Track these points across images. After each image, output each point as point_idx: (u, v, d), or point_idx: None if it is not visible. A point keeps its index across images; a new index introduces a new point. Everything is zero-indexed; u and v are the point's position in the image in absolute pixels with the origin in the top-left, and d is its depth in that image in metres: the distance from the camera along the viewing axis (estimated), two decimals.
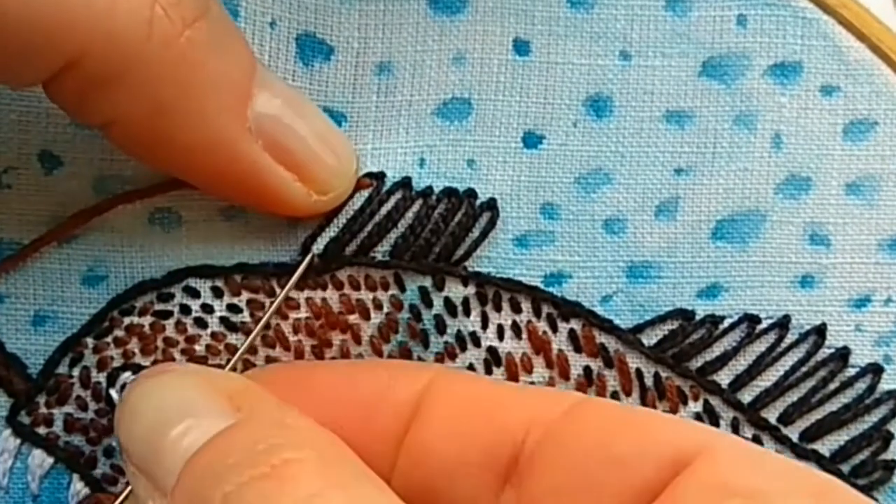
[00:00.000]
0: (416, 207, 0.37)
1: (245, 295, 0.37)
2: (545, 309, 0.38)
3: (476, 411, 0.34)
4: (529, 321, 0.38)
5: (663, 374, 0.38)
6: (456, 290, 0.37)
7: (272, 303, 0.37)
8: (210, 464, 0.30)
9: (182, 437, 0.31)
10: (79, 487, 0.38)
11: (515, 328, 0.38)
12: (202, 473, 0.30)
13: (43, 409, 0.38)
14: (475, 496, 0.34)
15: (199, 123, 0.34)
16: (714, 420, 0.38)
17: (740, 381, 0.38)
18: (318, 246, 0.37)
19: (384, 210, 0.37)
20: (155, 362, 0.37)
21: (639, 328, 0.38)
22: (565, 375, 0.38)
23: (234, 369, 0.37)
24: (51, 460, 0.38)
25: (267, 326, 0.37)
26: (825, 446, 0.38)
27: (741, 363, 0.38)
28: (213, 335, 0.37)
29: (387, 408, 0.34)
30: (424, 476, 0.34)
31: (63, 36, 0.32)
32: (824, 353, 0.38)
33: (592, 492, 0.32)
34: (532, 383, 0.38)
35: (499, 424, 0.33)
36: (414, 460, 0.34)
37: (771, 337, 0.38)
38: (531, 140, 0.37)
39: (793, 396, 0.38)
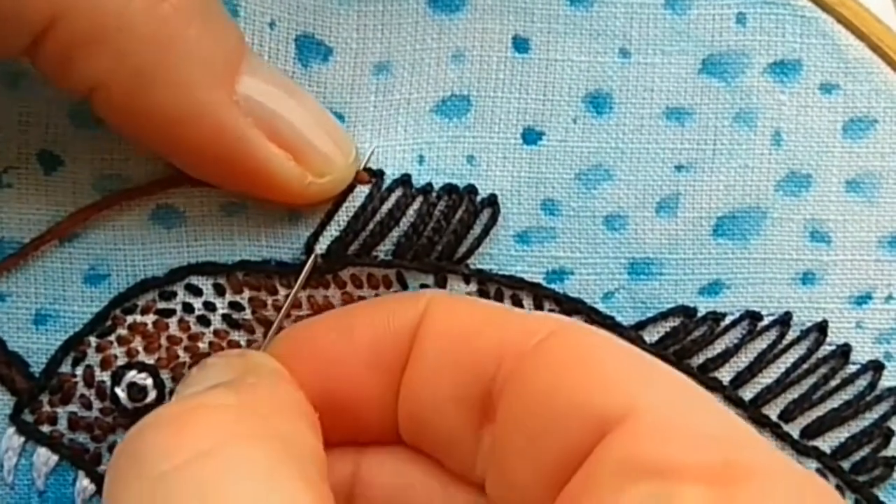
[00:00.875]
0: (416, 205, 0.37)
1: (247, 292, 0.37)
2: (547, 305, 0.38)
3: (457, 343, 0.34)
4: None
5: None
6: (458, 288, 0.37)
7: (274, 304, 0.37)
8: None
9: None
10: (85, 484, 0.38)
11: None
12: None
13: (46, 408, 0.38)
14: (461, 434, 0.34)
15: (182, 91, 0.34)
16: None
17: (741, 378, 0.38)
18: (321, 246, 0.37)
19: (385, 208, 0.37)
20: (159, 360, 0.37)
21: (640, 325, 0.38)
22: None
23: None
24: (56, 457, 0.38)
25: (269, 323, 0.37)
26: (826, 443, 0.38)
27: (742, 360, 0.38)
28: (216, 333, 0.37)
29: (386, 351, 0.34)
30: (418, 410, 0.34)
31: None
32: (825, 350, 0.38)
33: (536, 443, 0.32)
34: None
35: (476, 356, 0.33)
36: (409, 395, 0.34)
37: (772, 334, 0.38)
38: (531, 136, 0.37)
39: (794, 393, 0.38)
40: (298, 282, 0.37)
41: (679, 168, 0.38)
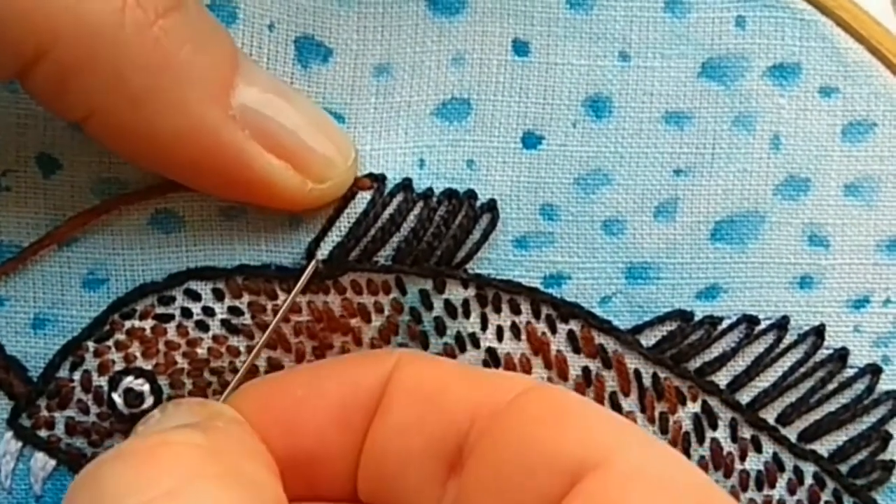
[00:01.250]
0: (417, 210, 0.37)
1: (246, 297, 0.37)
2: (544, 310, 0.38)
3: (428, 399, 0.34)
4: (528, 322, 0.38)
5: (662, 375, 0.38)
6: (456, 293, 0.37)
7: (274, 310, 0.37)
8: None
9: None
10: None
11: (514, 329, 0.38)
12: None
13: (44, 413, 0.37)
14: (424, 487, 0.34)
15: (178, 112, 0.33)
16: (712, 421, 0.38)
17: (739, 382, 0.38)
18: (323, 252, 0.37)
19: (387, 214, 0.37)
20: (157, 366, 0.37)
21: (638, 329, 0.38)
22: (564, 376, 0.38)
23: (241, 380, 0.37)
24: (53, 462, 0.38)
25: (265, 328, 0.37)
26: (824, 447, 0.38)
27: (740, 364, 0.38)
28: (215, 338, 0.37)
29: (353, 407, 0.35)
30: (381, 468, 0.34)
31: (34, 22, 0.31)
32: (823, 353, 0.38)
33: (507, 494, 0.32)
34: None
35: (448, 414, 0.34)
36: (373, 451, 0.34)
37: (770, 338, 0.38)
38: (530, 140, 0.37)
39: (791, 397, 0.38)
40: (297, 287, 0.37)
41: (678, 172, 0.38)
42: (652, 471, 0.31)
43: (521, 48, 0.37)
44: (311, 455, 0.34)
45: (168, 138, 0.34)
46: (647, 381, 0.38)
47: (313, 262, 0.37)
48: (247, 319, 0.37)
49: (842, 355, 0.38)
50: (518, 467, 0.32)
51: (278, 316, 0.37)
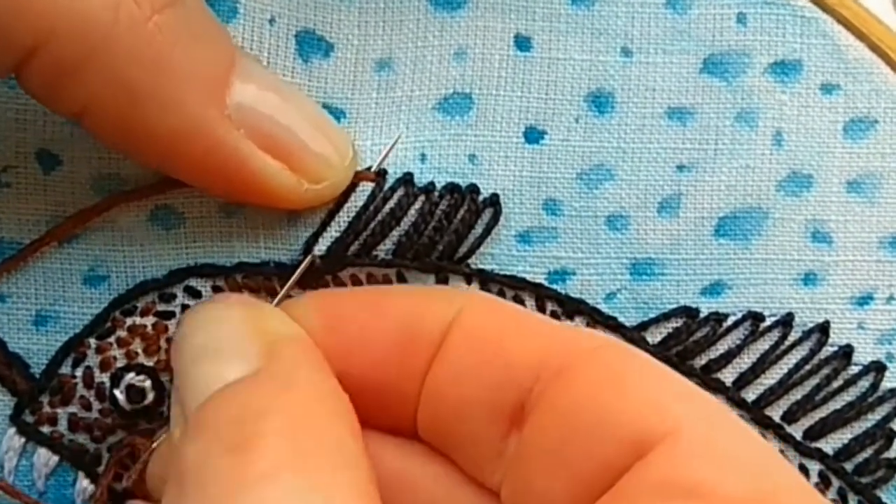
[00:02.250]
0: (418, 204, 0.37)
1: (246, 295, 0.37)
2: (549, 306, 0.37)
3: (491, 349, 0.33)
4: None
5: None
6: (459, 288, 0.37)
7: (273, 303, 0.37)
8: (211, 415, 0.30)
9: (205, 375, 0.32)
10: (84, 484, 0.37)
11: None
12: (203, 423, 0.30)
13: (47, 409, 0.37)
14: (484, 438, 0.33)
15: (172, 110, 0.33)
16: None
17: (744, 379, 0.38)
18: (321, 246, 0.37)
19: (387, 208, 0.37)
20: (158, 363, 0.37)
21: (643, 326, 0.38)
22: None
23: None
24: (56, 458, 0.37)
25: None
26: (829, 444, 0.38)
27: (745, 361, 0.38)
28: None
29: (415, 343, 0.34)
30: (440, 414, 0.34)
31: (29, 17, 0.31)
32: (827, 350, 0.38)
33: (569, 456, 0.31)
34: None
35: (510, 366, 0.33)
36: (433, 392, 0.34)
37: (774, 335, 0.38)
38: (533, 135, 0.37)
39: (796, 394, 0.38)
40: (292, 279, 0.37)
41: (681, 168, 0.38)
42: (719, 445, 0.31)
43: (523, 43, 0.37)
44: (370, 383, 0.34)
45: (162, 135, 0.33)
46: None
47: (309, 256, 0.37)
48: None
49: (846, 352, 0.38)
50: (580, 432, 0.31)
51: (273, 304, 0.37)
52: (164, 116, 0.33)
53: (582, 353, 0.32)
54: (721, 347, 0.38)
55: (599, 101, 0.37)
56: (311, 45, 0.37)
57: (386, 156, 0.37)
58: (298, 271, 0.37)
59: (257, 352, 0.32)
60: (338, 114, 0.37)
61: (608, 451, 0.31)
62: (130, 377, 0.37)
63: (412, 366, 0.34)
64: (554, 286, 0.37)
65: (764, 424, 0.38)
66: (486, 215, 0.37)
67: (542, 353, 0.33)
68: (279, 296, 0.37)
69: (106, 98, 0.33)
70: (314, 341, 0.33)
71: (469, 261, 0.37)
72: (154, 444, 0.36)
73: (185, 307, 0.37)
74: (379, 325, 0.34)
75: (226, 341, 0.33)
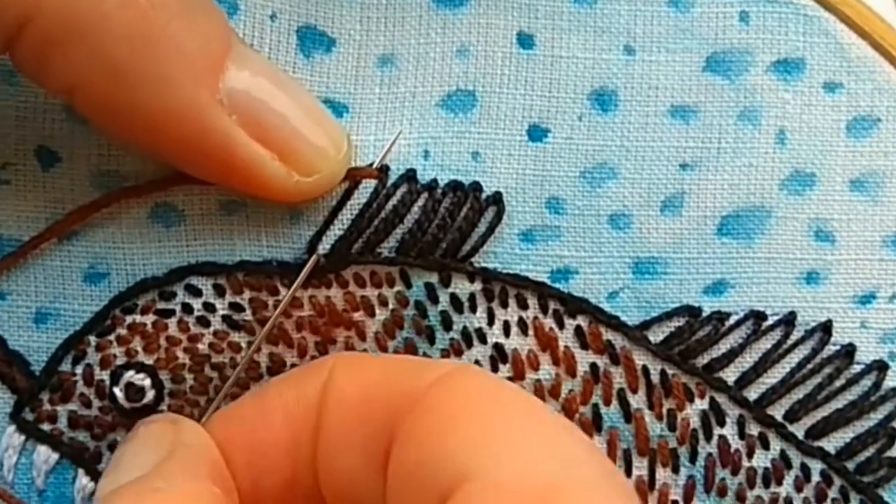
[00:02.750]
0: (421, 202, 0.37)
1: (248, 293, 0.37)
2: (552, 305, 0.37)
3: (360, 404, 0.33)
4: (536, 317, 0.37)
5: (670, 372, 0.38)
6: (462, 287, 0.37)
7: (276, 306, 0.37)
8: None
9: (104, 485, 0.33)
10: (84, 482, 0.37)
11: (522, 324, 0.37)
12: None
13: (47, 406, 0.37)
14: (375, 493, 0.32)
15: (160, 90, 0.33)
16: (720, 417, 0.38)
17: (746, 379, 0.38)
18: (325, 245, 0.37)
19: (390, 205, 0.36)
20: (158, 361, 0.37)
21: (645, 325, 0.37)
22: (572, 372, 0.37)
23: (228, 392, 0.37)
24: (56, 456, 0.37)
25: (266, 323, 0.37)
26: (831, 443, 0.38)
27: (747, 360, 0.38)
28: (216, 333, 0.37)
29: (300, 423, 0.33)
30: (336, 486, 0.33)
31: None
32: (830, 349, 0.38)
33: (409, 496, 0.31)
34: (538, 380, 0.37)
35: (376, 418, 0.32)
36: (324, 473, 0.33)
37: (777, 334, 0.38)
38: (536, 133, 0.37)
39: (799, 393, 0.38)
40: (298, 280, 0.36)
41: (684, 166, 0.37)
42: (505, 483, 0.29)
43: (525, 41, 0.37)
44: (278, 482, 0.34)
45: (152, 117, 0.33)
46: (655, 378, 0.38)
47: (314, 256, 0.37)
48: (248, 315, 0.37)
49: (849, 351, 0.38)
50: (414, 469, 0.31)
51: (278, 310, 0.36)
52: (154, 97, 0.33)
53: (427, 386, 0.32)
54: (723, 346, 0.38)
55: (602, 100, 0.37)
56: (312, 40, 0.37)
57: (388, 152, 0.37)
58: (304, 272, 0.36)
59: (153, 461, 0.33)
60: (340, 109, 0.37)
61: (428, 491, 0.30)
62: (130, 375, 0.37)
63: (304, 452, 0.33)
64: (556, 285, 0.37)
65: (766, 423, 0.38)
66: (490, 213, 0.37)
67: (397, 395, 0.32)
68: (285, 299, 0.36)
69: (94, 75, 0.32)
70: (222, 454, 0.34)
71: (472, 259, 0.37)
72: None
73: (185, 305, 0.37)
74: (263, 423, 0.34)
75: (127, 454, 0.34)
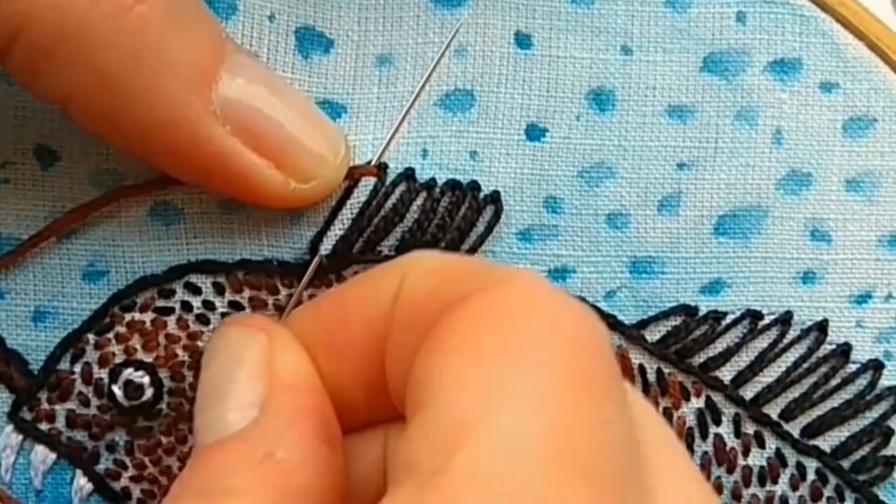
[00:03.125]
0: (420, 200, 0.37)
1: (247, 292, 0.37)
2: None
3: (422, 307, 0.30)
4: None
5: (666, 370, 0.37)
6: None
7: (276, 305, 0.37)
8: (192, 475, 0.30)
9: (211, 419, 0.31)
10: (82, 483, 0.37)
11: None
12: (185, 479, 0.30)
13: (45, 405, 0.37)
14: None
15: (153, 101, 0.33)
16: (716, 416, 0.38)
17: (742, 378, 0.38)
18: (326, 245, 0.37)
19: (389, 204, 0.36)
20: (157, 359, 0.37)
21: (642, 324, 0.37)
22: None
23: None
24: (53, 456, 0.37)
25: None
26: (826, 442, 0.38)
27: (743, 359, 0.38)
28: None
29: (378, 324, 0.31)
30: (399, 385, 0.30)
31: (6, 2, 0.31)
32: (826, 349, 0.38)
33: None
34: None
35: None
36: (391, 372, 0.31)
37: (773, 333, 0.38)
38: (534, 133, 0.37)
39: (794, 392, 0.38)
40: (301, 285, 0.36)
41: (681, 166, 0.37)
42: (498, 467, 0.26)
43: (523, 41, 0.37)
44: (362, 383, 0.32)
45: (144, 127, 0.33)
46: (651, 377, 0.37)
47: (317, 258, 0.36)
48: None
49: (844, 351, 0.38)
50: (421, 396, 0.28)
51: (284, 315, 0.36)
52: (146, 107, 0.33)
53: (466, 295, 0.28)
54: (720, 345, 0.38)
55: (600, 99, 0.37)
56: (310, 41, 0.37)
57: (385, 147, 0.37)
58: (308, 273, 0.36)
59: (256, 399, 0.31)
60: (339, 109, 0.37)
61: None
62: (128, 373, 0.37)
63: (379, 361, 0.31)
64: (554, 284, 0.37)
65: (762, 422, 0.38)
66: (488, 213, 0.37)
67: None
68: (291, 302, 0.36)
69: (85, 85, 0.32)
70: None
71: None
72: None
73: (184, 303, 0.37)
74: (341, 329, 0.32)
75: (234, 382, 0.31)
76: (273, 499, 0.29)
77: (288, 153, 0.34)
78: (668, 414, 0.38)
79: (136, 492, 0.37)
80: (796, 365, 0.38)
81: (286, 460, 0.30)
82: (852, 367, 0.38)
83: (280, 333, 0.32)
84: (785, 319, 0.38)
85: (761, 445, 0.38)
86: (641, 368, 0.37)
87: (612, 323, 0.37)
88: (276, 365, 0.31)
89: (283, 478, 0.29)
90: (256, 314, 0.36)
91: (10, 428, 0.37)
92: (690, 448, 0.38)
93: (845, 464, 0.38)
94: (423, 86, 0.36)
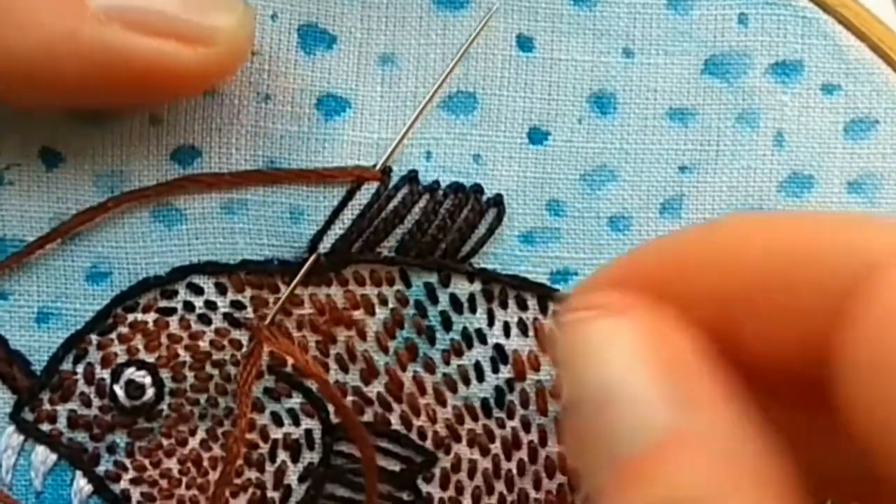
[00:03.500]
0: (422, 203, 0.36)
1: (249, 292, 0.37)
2: (551, 306, 0.37)
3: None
4: (536, 318, 0.37)
5: None
6: (462, 287, 0.37)
7: (276, 301, 0.37)
8: (632, 487, 0.25)
9: (617, 424, 0.25)
10: (82, 484, 0.37)
11: (522, 325, 0.37)
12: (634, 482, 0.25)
13: (47, 406, 0.37)
14: None
15: (35, 30, 0.32)
16: None
17: None
18: (325, 244, 0.36)
19: (391, 205, 0.36)
20: (159, 358, 0.37)
21: None
22: None
23: None
24: (54, 457, 0.37)
25: (271, 322, 0.37)
26: None
27: None
28: (217, 331, 0.37)
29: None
30: None
31: None
32: None
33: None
34: (539, 381, 0.37)
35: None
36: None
37: None
38: (537, 136, 0.37)
39: None
40: (295, 280, 0.36)
41: (682, 169, 0.37)
42: None
43: (525, 44, 0.37)
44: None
45: (34, 59, 0.32)
46: None
47: (314, 255, 0.36)
48: (249, 313, 0.37)
49: None
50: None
51: (275, 310, 0.36)
52: (29, 38, 0.32)
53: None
54: None
55: (602, 102, 0.37)
56: (313, 37, 0.37)
57: (392, 153, 0.36)
58: (303, 270, 0.36)
59: (661, 400, 0.25)
60: (343, 104, 0.36)
61: None
62: (130, 372, 0.36)
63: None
64: (556, 286, 0.37)
65: None
66: (490, 215, 0.37)
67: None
68: (283, 297, 0.36)
69: None
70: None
71: (472, 260, 0.37)
72: None
73: (186, 303, 0.37)
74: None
75: (632, 379, 0.26)
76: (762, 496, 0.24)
77: (184, 27, 0.33)
78: None
79: (135, 494, 0.37)
80: None
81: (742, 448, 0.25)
82: None
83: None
84: None
85: None
86: None
87: None
88: (670, 353, 0.26)
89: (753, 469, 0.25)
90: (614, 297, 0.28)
91: (11, 429, 0.37)
92: None
93: None
94: (436, 91, 0.36)
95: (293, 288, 0.36)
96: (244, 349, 0.37)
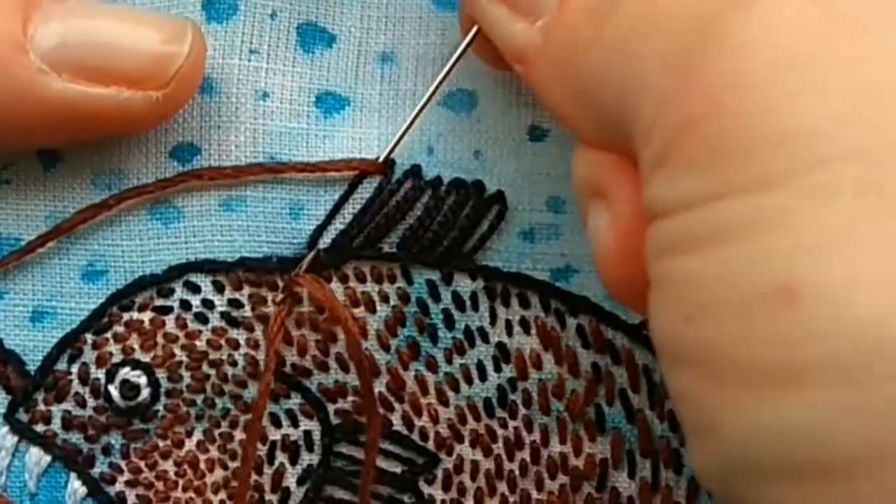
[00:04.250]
0: (425, 199, 0.36)
1: (247, 289, 0.36)
2: (553, 304, 0.37)
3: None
4: (538, 316, 0.36)
5: None
6: (464, 285, 0.36)
7: (275, 302, 0.36)
8: None
9: None
10: (76, 486, 0.36)
11: (524, 323, 0.36)
12: None
13: (41, 406, 0.36)
14: None
15: None
16: None
17: None
18: (325, 239, 0.36)
19: (394, 201, 0.36)
20: (154, 358, 0.36)
21: (645, 323, 0.37)
22: (575, 372, 0.36)
23: None
24: (48, 458, 0.36)
25: (266, 320, 0.36)
26: None
27: None
28: (214, 330, 0.36)
29: None
30: None
31: None
32: None
33: None
34: (541, 380, 0.36)
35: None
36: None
37: None
38: (537, 133, 0.37)
39: None
40: (294, 272, 0.36)
41: None
42: None
43: None
44: None
45: None
46: (656, 378, 0.37)
47: (314, 250, 0.36)
48: (247, 312, 0.36)
49: None
50: None
51: (276, 309, 0.36)
52: None
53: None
54: None
55: None
56: (313, 36, 0.36)
57: (395, 146, 0.36)
58: (302, 265, 0.36)
59: None
60: (342, 102, 0.36)
61: None
62: (125, 372, 0.36)
63: None
64: (557, 283, 0.36)
65: None
66: (492, 212, 0.36)
67: None
68: (280, 291, 0.36)
69: None
70: None
71: (474, 257, 0.36)
72: None
73: (183, 302, 0.36)
74: None
75: None
76: None
77: (130, 68, 0.32)
78: (673, 415, 0.37)
79: (131, 497, 0.36)
80: None
81: None
82: None
83: None
84: None
85: None
86: (646, 369, 0.37)
87: (616, 323, 0.36)
88: None
89: None
90: None
91: (5, 429, 0.36)
92: None
93: None
94: (438, 86, 0.35)
95: (292, 283, 0.35)
96: (241, 349, 0.36)
